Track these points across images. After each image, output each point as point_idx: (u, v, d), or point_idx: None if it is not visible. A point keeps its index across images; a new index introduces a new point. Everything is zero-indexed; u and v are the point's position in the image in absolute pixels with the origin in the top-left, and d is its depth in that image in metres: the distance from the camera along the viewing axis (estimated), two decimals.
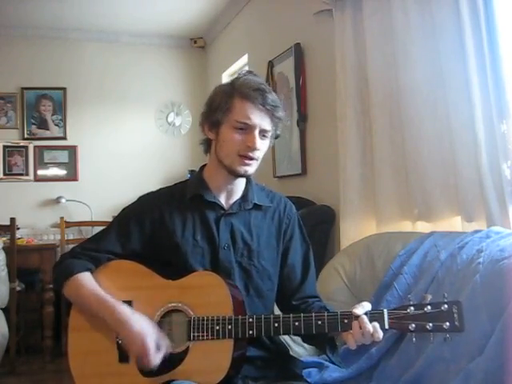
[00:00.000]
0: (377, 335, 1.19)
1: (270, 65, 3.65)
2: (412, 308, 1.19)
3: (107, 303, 1.32)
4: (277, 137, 1.45)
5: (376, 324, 1.19)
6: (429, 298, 1.20)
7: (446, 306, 1.17)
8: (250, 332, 1.26)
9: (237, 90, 1.35)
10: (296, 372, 1.45)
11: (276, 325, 1.25)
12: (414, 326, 1.18)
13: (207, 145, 1.46)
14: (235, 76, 1.43)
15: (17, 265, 3.32)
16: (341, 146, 2.60)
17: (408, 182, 2.23)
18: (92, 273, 1.39)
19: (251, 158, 1.35)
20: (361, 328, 1.19)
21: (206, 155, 1.49)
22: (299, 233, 1.52)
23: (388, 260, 1.93)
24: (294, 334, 1.35)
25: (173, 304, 1.32)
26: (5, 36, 4.77)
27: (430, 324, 1.17)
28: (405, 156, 2.23)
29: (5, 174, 4.79)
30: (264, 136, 1.37)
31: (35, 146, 4.89)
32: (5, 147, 4.80)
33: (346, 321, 1.22)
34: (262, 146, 1.37)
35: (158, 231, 1.41)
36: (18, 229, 3.71)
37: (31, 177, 4.87)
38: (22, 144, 4.87)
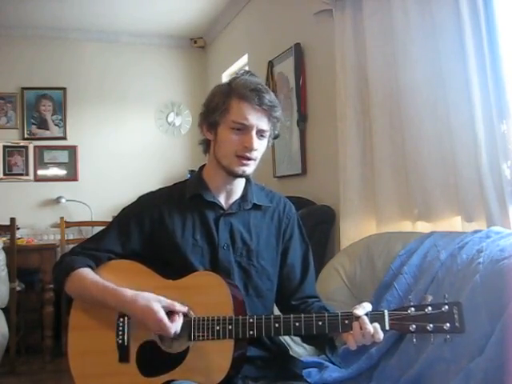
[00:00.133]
0: (377, 336, 1.19)
1: (270, 65, 3.65)
2: (412, 309, 1.19)
3: (109, 287, 1.33)
4: (276, 137, 1.45)
5: (377, 325, 1.19)
6: (429, 298, 1.20)
7: (446, 306, 1.17)
8: (251, 332, 1.26)
9: (234, 91, 1.36)
10: (296, 372, 1.45)
11: (276, 325, 1.25)
12: (414, 326, 1.18)
13: (206, 145, 1.46)
14: (233, 76, 1.44)
15: (17, 265, 3.31)
16: (341, 146, 2.60)
17: (408, 182, 2.23)
18: (93, 270, 1.40)
19: (249, 159, 1.35)
20: (361, 329, 1.19)
21: (205, 155, 1.49)
22: (298, 233, 1.52)
23: (388, 260, 1.93)
24: (295, 335, 1.35)
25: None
26: (5, 36, 4.77)
27: (431, 325, 1.17)
28: (405, 156, 2.23)
29: (5, 174, 4.79)
30: (262, 136, 1.37)
31: (35, 146, 4.89)
32: (5, 147, 4.80)
33: (346, 321, 1.22)
34: (260, 146, 1.37)
35: (158, 231, 1.41)
36: (18, 229, 3.71)
37: (31, 177, 4.87)
38: (22, 144, 4.87)
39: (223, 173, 1.40)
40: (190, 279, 1.34)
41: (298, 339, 1.79)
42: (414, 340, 1.22)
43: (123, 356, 1.33)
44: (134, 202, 1.49)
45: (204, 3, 4.48)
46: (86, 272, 1.38)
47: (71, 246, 3.11)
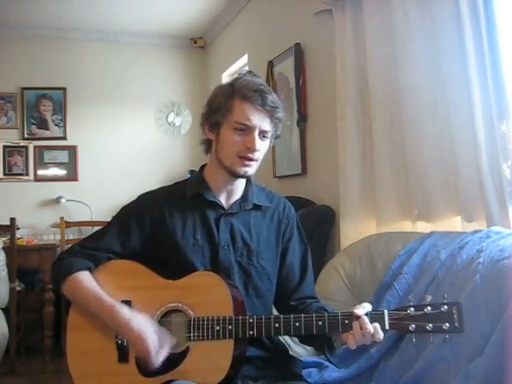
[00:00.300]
0: (377, 336, 1.19)
1: (270, 65, 3.65)
2: (412, 309, 1.19)
3: (106, 303, 1.31)
4: (277, 137, 1.45)
5: (376, 325, 1.20)
6: (429, 298, 1.20)
7: (445, 306, 1.17)
8: (251, 332, 1.26)
9: (237, 91, 1.35)
10: (296, 372, 1.45)
11: (276, 325, 1.25)
12: (414, 326, 1.18)
13: (208, 145, 1.46)
14: (235, 76, 1.43)
15: (17, 265, 3.32)
16: (341, 146, 2.60)
17: (408, 182, 2.23)
18: (91, 272, 1.39)
19: (251, 159, 1.35)
20: (361, 329, 1.20)
21: (207, 155, 1.49)
22: (298, 234, 1.52)
23: (388, 260, 1.93)
24: (295, 335, 1.35)
25: (173, 304, 1.32)
26: (5, 36, 4.77)
27: (430, 325, 1.17)
28: (405, 156, 2.23)
29: (5, 174, 4.79)
30: (264, 137, 1.37)
31: (35, 146, 4.89)
32: (5, 147, 4.81)
33: (346, 321, 1.22)
34: (262, 146, 1.37)
35: (159, 230, 1.41)
36: (18, 229, 3.71)
37: (31, 177, 4.87)
38: (22, 144, 4.87)
39: (225, 173, 1.40)
40: (190, 279, 1.34)
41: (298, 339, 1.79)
42: (414, 340, 1.22)
43: (123, 356, 1.32)
44: (134, 201, 1.49)
45: (204, 3, 4.48)
46: (85, 278, 1.37)
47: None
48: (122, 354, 1.32)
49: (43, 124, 4.94)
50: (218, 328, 1.27)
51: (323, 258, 2.68)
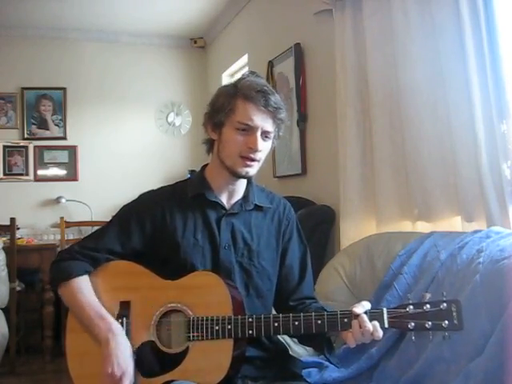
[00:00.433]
0: (377, 334, 1.20)
1: (270, 65, 3.65)
2: (411, 307, 1.20)
3: (99, 316, 1.31)
4: (278, 137, 1.46)
5: (376, 323, 1.20)
6: (428, 296, 1.20)
7: (444, 304, 1.17)
8: (250, 332, 1.26)
9: (240, 91, 1.36)
10: (295, 372, 1.45)
11: (276, 324, 1.25)
12: (413, 324, 1.19)
13: (210, 145, 1.46)
14: (239, 77, 1.44)
15: (17, 265, 3.32)
16: (341, 146, 2.60)
17: (408, 182, 2.23)
18: (90, 274, 1.39)
19: (253, 160, 1.36)
20: (361, 327, 1.20)
21: (209, 155, 1.49)
22: (297, 235, 1.52)
23: (388, 260, 1.93)
24: (294, 334, 1.35)
25: (172, 304, 1.32)
26: (5, 36, 4.77)
27: (429, 322, 1.18)
28: (405, 156, 2.23)
29: (5, 174, 4.79)
30: (266, 137, 1.37)
31: (35, 146, 4.89)
32: (5, 147, 4.81)
33: (345, 320, 1.22)
34: (264, 147, 1.37)
35: (159, 230, 1.41)
36: (18, 229, 3.71)
37: (31, 177, 4.87)
38: (22, 144, 4.87)
39: (226, 173, 1.40)
40: (189, 279, 1.33)
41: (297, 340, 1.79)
42: (413, 338, 1.22)
43: None
44: (134, 200, 1.48)
45: (204, 3, 4.48)
46: (83, 285, 1.36)
47: None
48: None
49: (43, 124, 4.94)
50: (217, 328, 1.27)
51: (323, 258, 2.68)
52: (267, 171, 3.61)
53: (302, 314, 1.25)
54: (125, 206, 1.48)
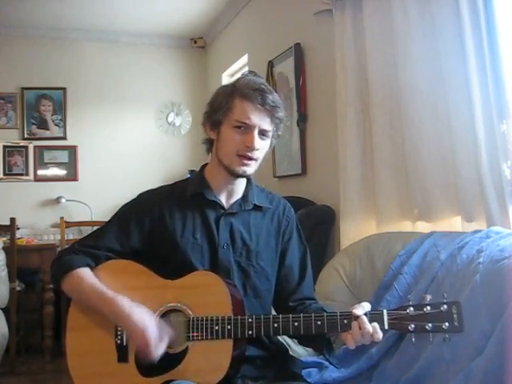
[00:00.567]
0: (376, 336, 1.19)
1: (270, 65, 3.65)
2: (411, 308, 1.19)
3: (107, 296, 1.31)
4: (277, 137, 1.45)
5: (376, 324, 1.19)
6: (428, 298, 1.20)
7: (445, 306, 1.17)
8: (250, 332, 1.26)
9: (237, 90, 1.36)
10: (295, 372, 1.45)
11: (275, 325, 1.25)
12: (413, 326, 1.18)
13: (209, 144, 1.46)
14: (238, 77, 1.44)
15: (17, 265, 3.31)
16: (341, 146, 2.60)
17: (408, 182, 2.23)
18: (91, 270, 1.39)
19: (250, 158, 1.35)
20: (360, 328, 1.19)
21: (208, 155, 1.49)
22: (297, 235, 1.52)
23: (388, 260, 1.93)
24: (294, 335, 1.35)
25: (172, 304, 1.32)
26: (5, 36, 4.77)
27: (430, 324, 1.17)
28: (405, 156, 2.23)
29: (5, 174, 4.79)
30: (264, 136, 1.37)
31: (35, 146, 4.89)
32: (5, 147, 4.81)
33: (345, 321, 1.22)
34: (262, 146, 1.37)
35: (158, 229, 1.41)
36: (18, 229, 3.71)
37: (31, 177, 4.87)
38: (22, 144, 4.87)
39: (225, 172, 1.40)
40: (189, 279, 1.33)
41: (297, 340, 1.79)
42: (413, 339, 1.22)
43: (122, 356, 1.32)
44: (133, 200, 1.48)
45: (204, 3, 4.48)
46: (85, 274, 1.37)
47: None
48: (122, 354, 1.32)
49: (43, 124, 4.94)
50: (216, 328, 1.26)
51: (323, 258, 2.68)
52: (267, 171, 3.61)
53: (301, 315, 1.25)
54: (124, 206, 1.48)
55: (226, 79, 4.80)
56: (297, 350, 1.83)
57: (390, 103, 2.31)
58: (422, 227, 2.17)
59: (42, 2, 4.30)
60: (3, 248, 3.01)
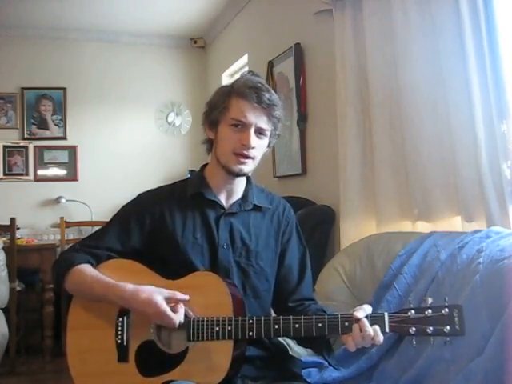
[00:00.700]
0: (377, 339, 1.19)
1: (270, 65, 3.65)
2: (413, 311, 1.19)
3: (110, 284, 1.32)
4: (278, 136, 1.45)
5: (377, 327, 1.19)
6: (429, 301, 1.19)
7: (446, 309, 1.16)
8: (250, 333, 1.25)
9: (234, 90, 1.37)
10: (295, 372, 1.45)
11: (276, 326, 1.25)
12: (414, 329, 1.18)
13: (209, 144, 1.47)
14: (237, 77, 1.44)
15: (17, 265, 3.32)
16: (341, 146, 2.60)
17: (408, 182, 2.23)
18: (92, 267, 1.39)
19: (246, 157, 1.36)
20: (361, 331, 1.19)
21: (208, 155, 1.49)
22: (297, 236, 1.53)
23: (388, 260, 1.93)
24: (294, 336, 1.35)
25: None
26: (5, 36, 4.76)
27: (431, 328, 1.16)
28: (405, 156, 2.23)
29: (5, 174, 4.79)
30: (261, 134, 1.37)
31: (35, 146, 4.88)
32: (5, 147, 4.80)
33: (346, 323, 1.22)
34: (258, 144, 1.37)
35: (159, 229, 1.41)
36: (18, 229, 3.71)
37: (31, 177, 4.86)
38: (22, 144, 4.87)
39: (223, 172, 1.40)
40: (189, 279, 1.34)
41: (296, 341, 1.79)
42: (414, 342, 1.21)
43: (122, 356, 1.32)
44: (134, 200, 1.49)
45: (204, 3, 4.47)
46: (86, 268, 1.37)
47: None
48: (122, 353, 1.32)
49: (43, 124, 4.94)
50: (217, 329, 1.26)
51: (323, 258, 2.68)
52: (267, 171, 3.61)
53: (302, 317, 1.24)
54: (124, 206, 1.49)
55: (226, 79, 4.79)
56: (297, 349, 1.82)
57: (390, 103, 2.31)
58: (422, 227, 2.17)
59: (42, 2, 4.30)
60: (3, 248, 3.01)
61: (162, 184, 1.53)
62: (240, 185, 1.46)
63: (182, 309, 1.27)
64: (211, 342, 1.27)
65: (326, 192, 2.93)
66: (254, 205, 1.46)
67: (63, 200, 4.82)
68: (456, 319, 1.15)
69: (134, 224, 1.42)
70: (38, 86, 4.90)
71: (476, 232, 1.72)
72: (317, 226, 2.76)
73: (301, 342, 1.50)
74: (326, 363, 1.69)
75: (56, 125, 4.96)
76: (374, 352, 1.70)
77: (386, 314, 1.21)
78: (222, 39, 4.97)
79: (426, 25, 2.08)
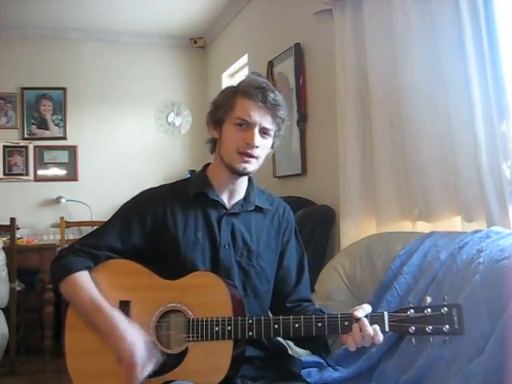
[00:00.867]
0: (377, 338, 1.19)
1: (270, 65, 3.65)
2: (412, 311, 1.19)
3: (101, 308, 1.30)
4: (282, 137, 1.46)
5: (376, 327, 1.19)
6: (428, 300, 1.20)
7: (445, 308, 1.17)
8: (250, 333, 1.26)
9: (239, 89, 1.38)
10: (295, 372, 1.45)
11: (276, 326, 1.25)
12: (413, 328, 1.18)
13: (213, 144, 1.46)
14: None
15: (17, 265, 3.32)
16: (341, 146, 2.60)
17: (408, 182, 2.23)
18: (91, 271, 1.38)
19: (250, 156, 1.36)
20: (361, 331, 1.19)
21: (212, 155, 1.49)
22: (295, 238, 1.53)
23: (388, 260, 1.92)
24: (294, 336, 1.35)
25: (172, 304, 1.32)
26: (5, 36, 4.77)
27: (430, 327, 1.17)
28: (405, 156, 2.23)
29: (5, 174, 4.79)
30: (265, 134, 1.37)
31: (35, 146, 4.89)
32: (5, 147, 4.80)
33: (346, 323, 1.22)
34: (263, 144, 1.37)
35: (160, 228, 1.41)
36: (18, 229, 3.71)
37: (31, 177, 4.87)
38: (22, 144, 4.87)
39: (226, 171, 1.40)
40: (189, 279, 1.33)
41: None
42: (414, 341, 1.21)
43: None
44: (134, 198, 1.48)
45: (204, 3, 4.48)
46: (83, 279, 1.35)
47: None
48: None
49: (43, 124, 4.94)
50: (217, 329, 1.26)
51: (323, 258, 2.68)
52: (267, 171, 3.61)
53: (302, 317, 1.25)
54: (125, 204, 1.48)
55: (226, 79, 4.79)
56: (296, 349, 1.82)
57: (390, 103, 2.31)
58: (422, 227, 2.17)
59: (42, 2, 4.30)
60: (3, 248, 3.01)
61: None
62: (242, 185, 1.46)
63: (149, 370, 1.25)
64: (211, 342, 1.27)
65: (326, 192, 2.93)
66: (256, 206, 1.46)
67: (63, 200, 4.82)
68: (455, 318, 1.16)
69: (135, 223, 1.41)
70: (37, 86, 4.90)
71: (476, 232, 1.72)
72: (317, 226, 2.76)
73: (299, 342, 1.50)
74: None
75: (56, 125, 4.97)
76: (374, 352, 1.70)
77: (385, 313, 1.21)
78: (222, 39, 4.97)
79: (426, 25, 2.08)
